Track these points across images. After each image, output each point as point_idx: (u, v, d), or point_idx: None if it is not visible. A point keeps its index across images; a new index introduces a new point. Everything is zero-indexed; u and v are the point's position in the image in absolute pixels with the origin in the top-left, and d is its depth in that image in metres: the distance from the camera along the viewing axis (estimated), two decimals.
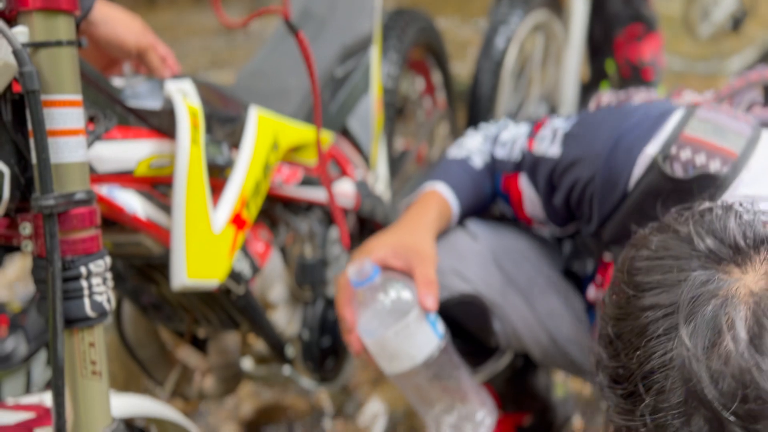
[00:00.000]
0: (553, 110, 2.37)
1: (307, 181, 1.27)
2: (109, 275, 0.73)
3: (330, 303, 1.34)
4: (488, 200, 1.16)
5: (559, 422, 1.50)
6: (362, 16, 1.54)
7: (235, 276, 1.09)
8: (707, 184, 0.87)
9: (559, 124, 1.05)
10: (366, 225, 1.49)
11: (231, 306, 1.15)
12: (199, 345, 1.32)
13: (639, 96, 1.14)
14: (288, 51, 1.42)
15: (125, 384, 1.60)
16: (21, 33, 0.66)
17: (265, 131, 1.14)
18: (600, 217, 0.98)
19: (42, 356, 1.42)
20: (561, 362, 1.18)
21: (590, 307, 1.16)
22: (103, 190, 0.87)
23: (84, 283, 0.70)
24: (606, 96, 1.19)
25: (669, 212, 0.72)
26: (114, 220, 0.93)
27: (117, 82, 0.93)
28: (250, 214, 1.09)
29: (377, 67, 1.57)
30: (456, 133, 2.21)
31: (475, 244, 1.13)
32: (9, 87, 0.68)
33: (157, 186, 0.96)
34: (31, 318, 1.43)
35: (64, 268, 0.69)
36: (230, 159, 1.06)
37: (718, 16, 3.35)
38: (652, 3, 2.40)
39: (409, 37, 1.81)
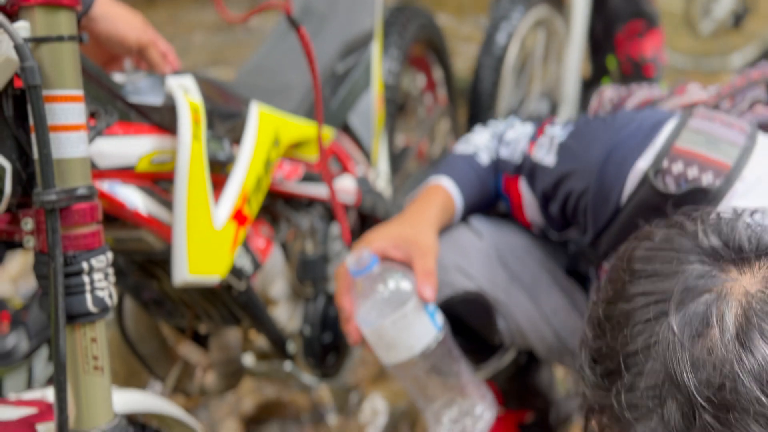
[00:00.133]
0: (554, 107, 2.37)
1: (308, 178, 1.27)
2: (110, 271, 0.73)
3: (331, 299, 1.34)
4: (493, 197, 1.16)
5: (561, 419, 1.50)
6: (363, 12, 1.53)
7: (236, 272, 1.09)
8: (700, 198, 0.86)
9: (557, 132, 1.04)
10: (367, 221, 1.49)
11: (232, 302, 1.15)
12: (201, 341, 1.32)
13: (641, 92, 1.13)
14: (289, 47, 1.42)
15: (126, 380, 1.60)
16: (22, 28, 0.66)
17: (267, 127, 1.14)
18: (595, 229, 0.97)
19: (43, 352, 1.43)
20: (565, 359, 1.18)
21: None
22: (105, 185, 0.87)
23: (86, 279, 0.70)
24: (608, 91, 1.18)
25: (677, 212, 0.72)
26: (115, 216, 0.92)
27: (118, 77, 0.93)
28: (252, 210, 1.09)
29: (378, 63, 1.57)
30: (457, 130, 2.21)
31: (480, 242, 1.13)
32: (10, 82, 0.68)
33: (159, 182, 0.96)
34: (32, 314, 1.43)
35: (65, 263, 0.69)
36: (231, 155, 1.06)
37: (719, 12, 3.35)
38: None
39: (410, 33, 1.81)
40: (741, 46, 3.52)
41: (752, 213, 0.67)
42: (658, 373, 0.59)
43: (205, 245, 0.98)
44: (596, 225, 0.96)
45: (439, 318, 0.97)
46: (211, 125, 1.02)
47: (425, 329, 0.94)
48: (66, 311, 0.69)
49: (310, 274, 1.29)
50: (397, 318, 0.92)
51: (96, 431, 0.71)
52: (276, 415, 1.68)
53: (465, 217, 1.16)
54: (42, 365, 1.42)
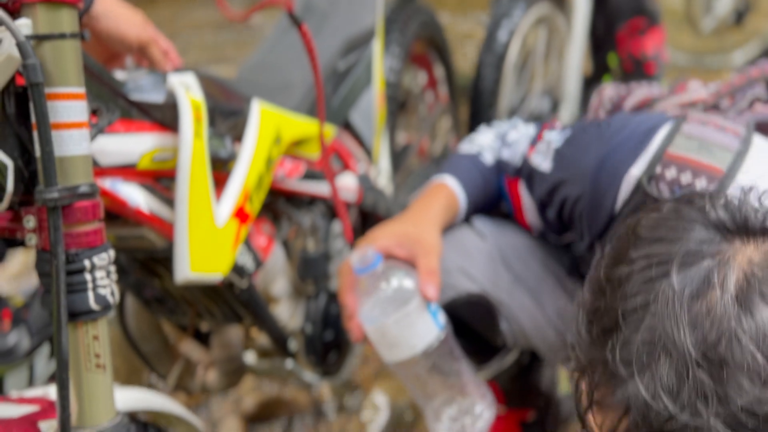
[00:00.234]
0: (555, 104, 2.36)
1: (309, 175, 1.27)
2: (112, 268, 0.73)
3: (333, 297, 1.34)
4: (497, 197, 1.16)
5: (563, 417, 1.50)
6: (364, 10, 1.53)
7: (238, 270, 1.09)
8: None
9: (554, 138, 1.04)
10: (368, 219, 1.49)
11: (234, 300, 1.15)
12: (202, 338, 1.32)
13: (640, 91, 1.12)
14: (290, 44, 1.42)
15: (128, 378, 1.60)
16: (24, 25, 0.66)
17: (268, 125, 1.14)
18: (590, 236, 0.97)
19: (44, 350, 1.43)
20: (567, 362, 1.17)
21: None
22: (106, 183, 0.87)
23: (88, 276, 0.70)
24: (608, 89, 1.18)
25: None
26: (117, 214, 0.92)
27: (119, 75, 0.93)
28: (253, 208, 1.09)
29: (379, 60, 1.56)
30: (458, 128, 2.20)
31: (483, 243, 1.13)
32: (12, 80, 0.68)
33: (160, 179, 0.96)
34: (33, 312, 1.43)
35: (67, 261, 0.69)
36: (233, 152, 1.06)
37: (720, 9, 3.34)
38: None
39: (412, 30, 1.81)
40: (742, 44, 3.51)
41: (761, 193, 0.67)
42: (655, 329, 0.58)
43: (207, 243, 0.98)
44: (592, 232, 0.96)
45: (442, 317, 0.97)
46: (212, 123, 1.02)
47: (427, 328, 0.94)
48: (68, 309, 0.69)
49: (312, 272, 1.29)
50: (399, 316, 0.92)
51: (98, 429, 0.72)
52: (277, 412, 1.68)
53: (469, 217, 1.16)
54: (43, 363, 1.42)
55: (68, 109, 0.68)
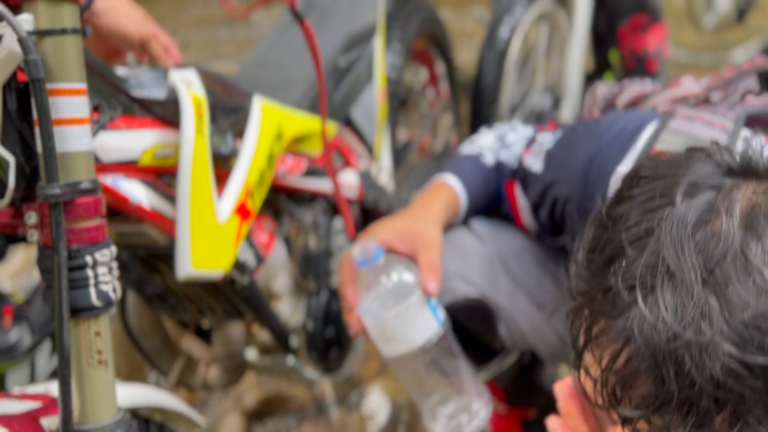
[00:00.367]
0: (557, 101, 2.36)
1: (310, 172, 1.27)
2: (114, 264, 0.73)
3: (334, 294, 1.34)
4: (498, 197, 1.16)
5: None
6: (366, 6, 1.53)
7: (239, 266, 1.08)
8: None
9: (546, 139, 1.05)
10: (369, 216, 1.48)
11: (235, 296, 1.15)
12: (204, 335, 1.32)
13: (632, 88, 1.13)
14: (291, 41, 1.42)
15: (129, 374, 1.60)
16: (26, 21, 0.66)
17: (269, 121, 1.13)
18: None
19: (46, 347, 1.43)
20: (569, 358, 1.17)
21: None
22: (108, 179, 0.87)
23: (90, 273, 0.70)
24: (601, 87, 1.19)
25: None
26: (118, 210, 0.92)
27: (121, 71, 0.93)
28: (255, 205, 1.09)
29: (381, 57, 1.56)
30: (459, 124, 2.20)
31: (482, 246, 1.13)
32: (14, 75, 0.68)
33: (162, 176, 0.96)
34: (35, 309, 1.44)
35: (69, 257, 0.69)
36: (234, 149, 1.06)
37: (722, 6, 3.33)
38: None
39: (413, 27, 1.80)
40: (744, 41, 3.51)
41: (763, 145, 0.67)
42: (658, 252, 0.57)
43: (209, 239, 0.98)
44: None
45: (441, 313, 0.97)
46: (214, 119, 1.02)
47: (427, 323, 0.94)
48: (70, 305, 0.69)
49: (313, 269, 1.29)
50: (399, 310, 0.92)
51: (100, 425, 0.71)
52: (278, 409, 1.68)
53: (470, 215, 1.16)
54: (44, 360, 1.43)
55: (70, 104, 0.68)
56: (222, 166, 1.05)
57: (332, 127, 1.38)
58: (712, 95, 1.00)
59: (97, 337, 0.71)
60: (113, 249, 0.72)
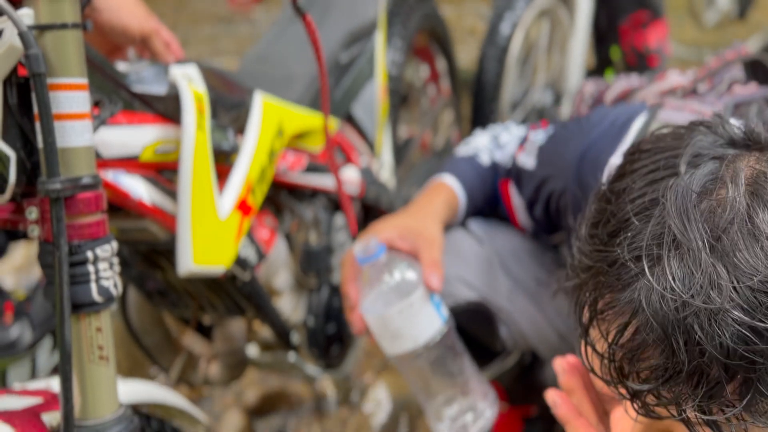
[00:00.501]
0: (558, 98, 2.36)
1: (311, 168, 1.27)
2: (115, 260, 0.73)
3: (335, 290, 1.33)
4: (495, 197, 1.17)
5: None
6: (367, 2, 1.53)
7: (240, 262, 1.08)
8: None
9: (539, 137, 1.06)
10: (370, 212, 1.48)
11: (236, 292, 1.14)
12: (205, 331, 1.32)
13: (619, 83, 1.13)
14: (292, 37, 1.42)
15: (130, 371, 1.60)
16: (26, 15, 0.66)
17: (270, 117, 1.13)
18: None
19: (47, 343, 1.43)
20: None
21: None
22: (109, 175, 0.87)
23: (91, 268, 0.69)
24: (589, 85, 1.20)
25: None
26: (119, 206, 0.92)
27: (121, 67, 0.92)
28: (256, 201, 1.08)
29: (382, 53, 1.56)
30: (460, 121, 2.20)
31: (481, 248, 1.13)
32: (14, 70, 0.68)
33: (163, 172, 0.96)
34: (35, 305, 1.44)
35: (70, 252, 0.68)
36: (235, 145, 1.05)
37: (723, 3, 3.33)
38: None
39: (414, 23, 1.80)
40: (745, 38, 3.50)
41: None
42: (664, 222, 0.57)
43: (210, 235, 0.97)
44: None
45: (444, 310, 0.97)
46: (215, 115, 1.01)
47: (430, 320, 0.94)
48: (71, 301, 0.68)
49: (314, 265, 1.29)
50: (403, 307, 0.92)
51: (101, 421, 0.71)
52: (279, 405, 1.68)
53: (469, 215, 1.16)
54: (45, 356, 1.43)
55: (70, 99, 0.67)
56: (223, 162, 1.04)
57: (334, 124, 1.38)
58: (699, 86, 1.00)
59: (99, 333, 0.71)
60: (114, 244, 0.72)
